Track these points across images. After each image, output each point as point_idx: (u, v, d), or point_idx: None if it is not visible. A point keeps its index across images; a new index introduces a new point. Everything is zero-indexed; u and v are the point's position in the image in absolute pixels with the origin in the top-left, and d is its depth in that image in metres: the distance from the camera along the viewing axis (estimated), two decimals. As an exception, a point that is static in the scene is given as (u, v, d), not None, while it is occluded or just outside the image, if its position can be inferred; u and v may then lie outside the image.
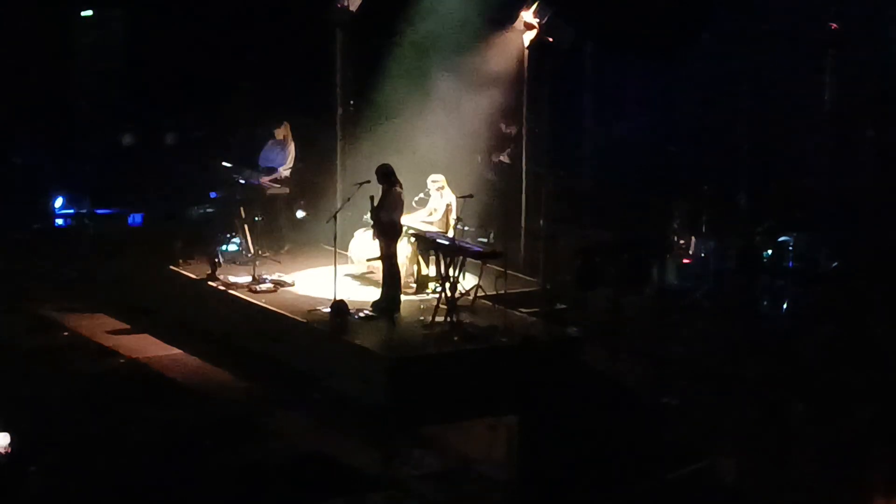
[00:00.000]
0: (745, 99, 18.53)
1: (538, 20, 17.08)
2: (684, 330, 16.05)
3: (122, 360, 15.57)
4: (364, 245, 16.79)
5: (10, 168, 20.75)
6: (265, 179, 18.17)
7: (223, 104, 20.58)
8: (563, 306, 16.37)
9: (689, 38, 17.65)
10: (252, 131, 19.70)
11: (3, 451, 11.59)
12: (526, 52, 17.39)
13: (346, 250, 16.97)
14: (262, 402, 14.26)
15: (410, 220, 16.24)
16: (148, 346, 16.10)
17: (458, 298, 15.23)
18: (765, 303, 16.78)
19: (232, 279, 16.64)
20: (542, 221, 17.54)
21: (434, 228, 16.31)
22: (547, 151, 17.73)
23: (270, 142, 18.46)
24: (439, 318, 15.04)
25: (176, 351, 15.92)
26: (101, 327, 16.80)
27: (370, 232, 15.99)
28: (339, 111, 19.15)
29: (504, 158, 19.05)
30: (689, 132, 18.99)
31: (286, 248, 18.13)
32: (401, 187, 15.45)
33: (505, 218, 18.11)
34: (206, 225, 18.72)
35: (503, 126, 18.99)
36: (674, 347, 15.37)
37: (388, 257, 15.54)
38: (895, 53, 17.60)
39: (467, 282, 15.75)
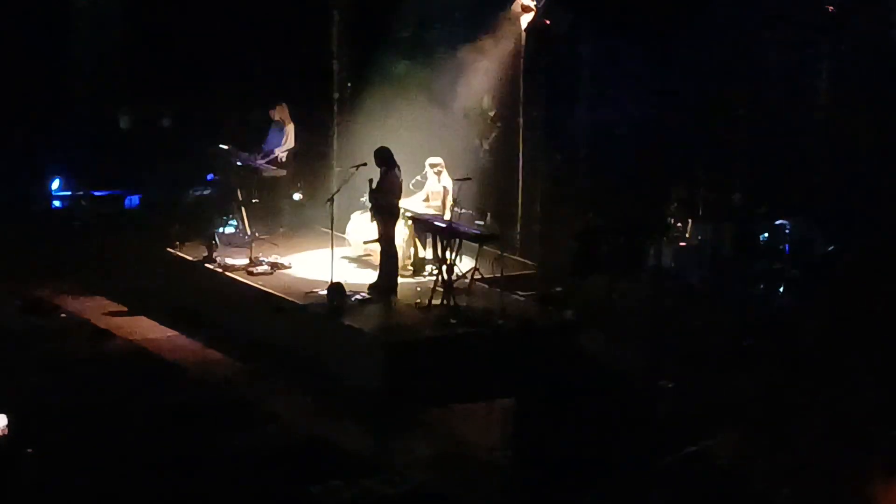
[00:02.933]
0: (742, 82, 18.48)
1: (535, 3, 17.06)
2: (680, 313, 16.03)
3: (118, 342, 15.60)
4: (361, 228, 16.79)
5: (6, 149, 20.69)
6: (262, 161, 18.17)
7: (220, 85, 20.52)
8: (560, 290, 16.37)
9: (686, 22, 17.62)
10: (248, 113, 19.68)
11: (0, 432, 11.59)
12: (523, 35, 17.36)
13: (344, 233, 16.98)
14: (259, 385, 14.28)
15: (408, 202, 16.24)
16: (145, 329, 16.13)
17: (455, 281, 15.23)
18: (761, 286, 16.76)
19: (229, 261, 16.65)
20: (538, 205, 17.52)
21: (431, 211, 16.31)
22: (544, 135, 17.70)
23: (273, 124, 18.46)
24: (436, 301, 15.05)
25: (172, 333, 15.95)
26: (98, 309, 16.83)
27: (367, 214, 15.99)
28: (337, 94, 19.12)
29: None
30: (686, 116, 18.94)
31: (281, 230, 18.13)
32: (399, 170, 15.45)
33: (502, 201, 18.09)
34: (202, 207, 18.70)
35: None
36: (670, 331, 15.35)
37: (386, 240, 15.54)
38: (893, 36, 17.55)
39: (464, 265, 15.75)
